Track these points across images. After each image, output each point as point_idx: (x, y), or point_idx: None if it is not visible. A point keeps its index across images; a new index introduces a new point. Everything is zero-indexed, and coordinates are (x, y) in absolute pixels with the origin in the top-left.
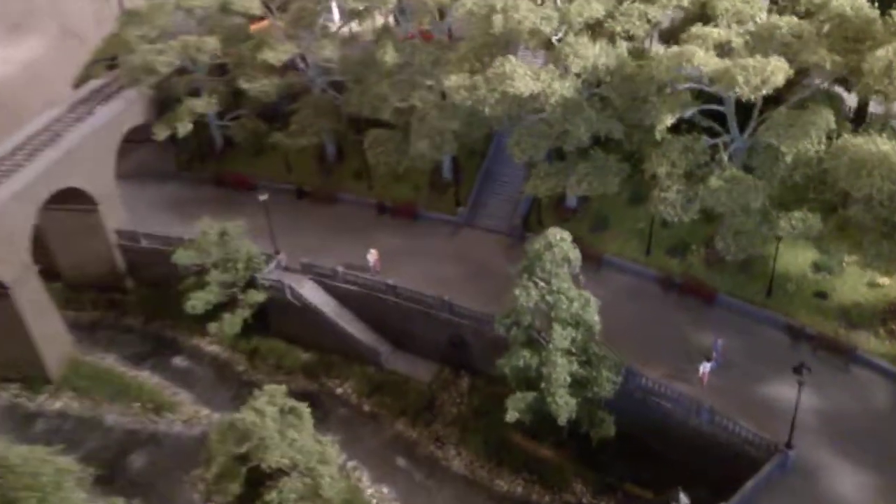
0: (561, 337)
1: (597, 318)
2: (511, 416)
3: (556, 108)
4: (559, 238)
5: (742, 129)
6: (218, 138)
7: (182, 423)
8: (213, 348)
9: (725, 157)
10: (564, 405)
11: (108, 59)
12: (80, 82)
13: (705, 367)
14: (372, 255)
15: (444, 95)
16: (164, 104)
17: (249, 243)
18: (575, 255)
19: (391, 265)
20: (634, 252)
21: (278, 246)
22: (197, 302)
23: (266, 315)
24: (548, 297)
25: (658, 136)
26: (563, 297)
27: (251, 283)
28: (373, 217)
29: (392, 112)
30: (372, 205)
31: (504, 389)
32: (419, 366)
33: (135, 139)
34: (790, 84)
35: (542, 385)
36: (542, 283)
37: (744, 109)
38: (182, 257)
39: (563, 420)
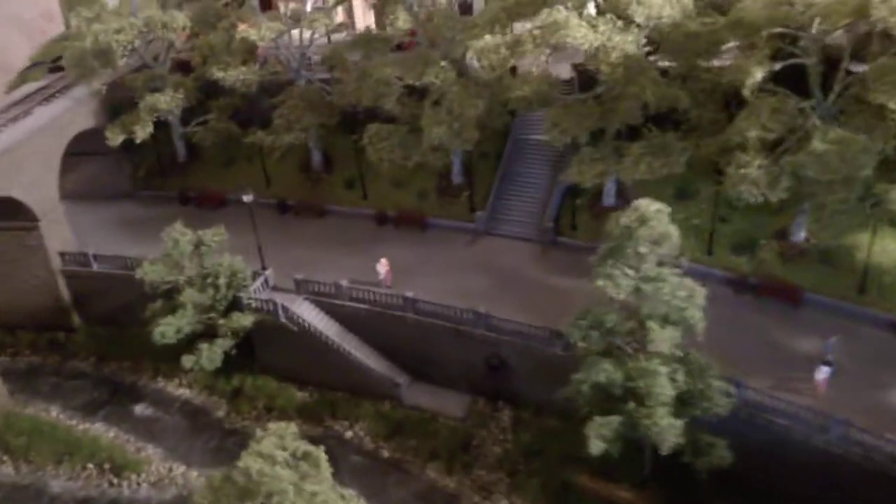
0: (661, 338)
1: (700, 313)
2: (595, 446)
3: (615, 70)
4: (655, 210)
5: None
6: (181, 149)
7: (150, 485)
8: (184, 392)
9: (817, 120)
10: (668, 428)
11: (49, 62)
12: (13, 87)
13: (822, 374)
14: (382, 266)
15: (460, 74)
16: (117, 108)
17: (232, 257)
18: (675, 232)
19: (402, 280)
20: (693, 252)
21: (264, 263)
22: (167, 328)
23: (251, 346)
24: (644, 287)
25: (748, 93)
26: (664, 285)
27: (234, 305)
28: (372, 229)
29: (396, 102)
30: (369, 216)
31: (556, 421)
32: (447, 398)
33: (84, 151)
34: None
35: (629, 406)
36: (630, 271)
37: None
38: (149, 273)
39: (667, 448)
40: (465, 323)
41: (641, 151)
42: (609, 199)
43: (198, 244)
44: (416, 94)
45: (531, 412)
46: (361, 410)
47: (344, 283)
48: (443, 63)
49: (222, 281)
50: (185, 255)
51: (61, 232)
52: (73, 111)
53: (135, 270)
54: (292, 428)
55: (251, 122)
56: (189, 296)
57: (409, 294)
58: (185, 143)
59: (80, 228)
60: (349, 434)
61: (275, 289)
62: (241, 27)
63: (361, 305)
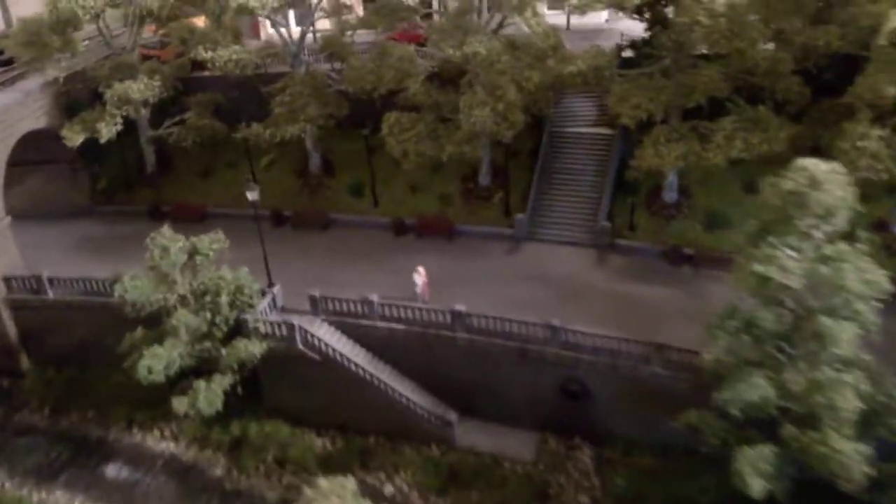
0: (840, 337)
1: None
2: (757, 486)
3: (716, 22)
4: (828, 172)
5: None
6: (150, 156)
7: None
8: (169, 445)
9: None
10: (853, 456)
11: None
12: None
13: None
14: (420, 277)
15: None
16: (75, 106)
17: (233, 269)
18: (850, 198)
19: (437, 294)
20: None
21: (271, 278)
22: (154, 362)
23: (255, 383)
24: (821, 270)
25: (885, 41)
26: (846, 267)
27: (238, 331)
28: (388, 239)
29: (420, 85)
30: (384, 224)
31: (653, 459)
32: (510, 437)
33: (32, 160)
34: None
35: (787, 431)
36: (794, 252)
37: None
38: (131, 290)
39: (854, 484)
40: (533, 341)
41: (734, 126)
42: (671, 193)
43: (192, 253)
44: (437, 79)
45: (619, 449)
46: (402, 458)
47: (374, 298)
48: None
49: (224, 299)
50: (177, 266)
51: (6, 252)
52: (20, 106)
53: (101, 296)
54: (351, 484)
55: (236, 120)
56: (182, 318)
57: (459, 308)
58: (155, 148)
59: (28, 251)
60: (389, 489)
61: (284, 310)
62: None
63: (397, 326)
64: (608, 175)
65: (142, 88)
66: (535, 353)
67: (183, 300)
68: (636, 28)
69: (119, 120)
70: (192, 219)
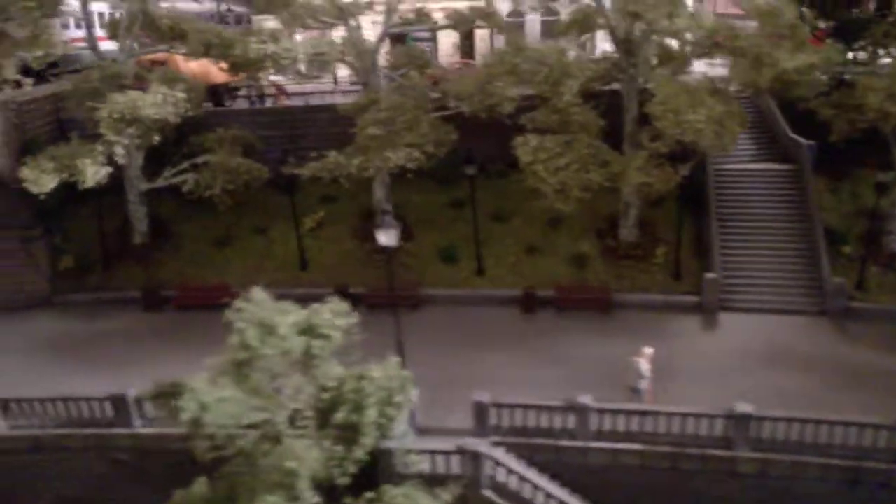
0: None
1: None
2: None
3: None
4: None
5: None
6: (141, 220)
7: None
8: None
9: None
10: None
11: None
12: None
13: None
14: (645, 363)
15: None
16: (32, 145)
17: (375, 362)
18: None
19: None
20: None
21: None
22: None
23: None
24: None
25: None
26: None
27: (373, 471)
28: (515, 317)
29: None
30: (500, 298)
31: None
32: None
33: None
34: None
35: None
36: None
37: None
38: (215, 409)
39: None
40: (871, 454)
41: None
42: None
43: (309, 332)
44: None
45: None
46: None
47: (589, 402)
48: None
49: (371, 417)
50: (290, 359)
51: None
52: None
53: (96, 426)
54: None
55: (280, 161)
56: (303, 454)
57: (743, 408)
58: (145, 209)
59: None
60: None
61: (423, 431)
62: None
63: (627, 447)
64: (814, 221)
65: (158, 102)
66: (876, 475)
67: (295, 420)
68: None
69: (121, 151)
70: (208, 304)
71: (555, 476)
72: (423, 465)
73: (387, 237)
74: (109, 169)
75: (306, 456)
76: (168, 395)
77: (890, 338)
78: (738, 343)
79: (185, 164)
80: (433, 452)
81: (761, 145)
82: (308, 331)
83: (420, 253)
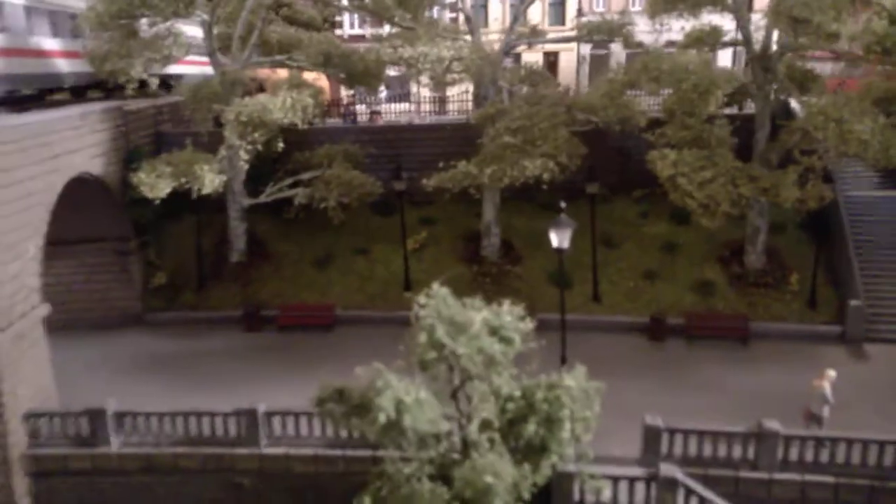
0: None
1: None
2: None
3: None
4: None
5: None
6: (240, 237)
7: None
8: None
9: None
10: None
11: None
12: None
13: None
14: (828, 388)
15: None
16: (134, 153)
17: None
18: None
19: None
20: None
21: None
22: None
23: None
24: None
25: None
26: None
27: (548, 491)
28: (641, 345)
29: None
30: (623, 325)
31: None
32: None
33: (61, 236)
34: None
35: None
36: None
37: None
38: (415, 410)
39: None
40: None
41: None
42: None
43: (493, 334)
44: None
45: None
46: None
47: (775, 426)
48: None
49: (566, 431)
50: (492, 356)
51: (35, 370)
52: (73, 132)
53: (220, 445)
54: None
55: (391, 178)
56: (499, 466)
57: None
58: (244, 224)
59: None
60: None
61: (582, 458)
62: None
63: (818, 478)
64: None
65: (287, 106)
66: None
67: (491, 429)
68: None
69: (246, 157)
70: (313, 326)
71: None
72: (606, 492)
73: (559, 237)
74: (224, 177)
75: (504, 471)
76: (335, 399)
77: None
78: (893, 374)
79: (289, 181)
80: (616, 478)
81: (885, 174)
82: (493, 333)
83: (529, 277)
